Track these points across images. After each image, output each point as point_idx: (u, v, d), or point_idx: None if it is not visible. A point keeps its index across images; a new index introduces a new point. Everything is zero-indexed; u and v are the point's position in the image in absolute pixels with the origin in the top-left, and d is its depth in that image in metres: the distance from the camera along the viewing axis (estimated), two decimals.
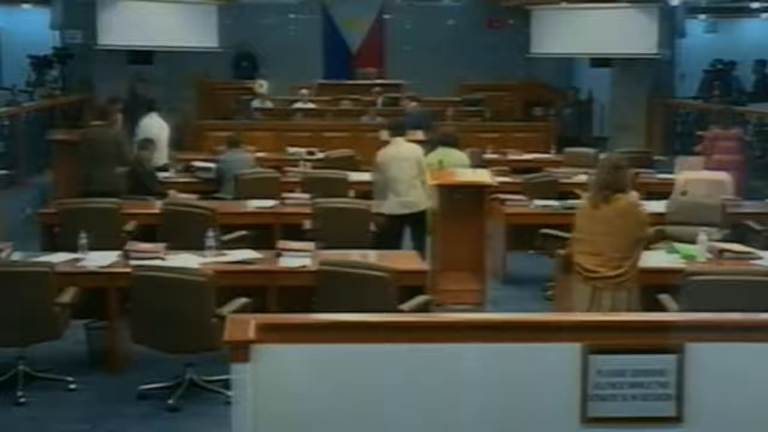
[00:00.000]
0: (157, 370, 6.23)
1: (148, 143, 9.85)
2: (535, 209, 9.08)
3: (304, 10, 19.79)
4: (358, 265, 6.06)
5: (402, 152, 8.59)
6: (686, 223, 7.67)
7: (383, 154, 8.63)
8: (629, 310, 5.89)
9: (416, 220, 8.42)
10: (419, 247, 8.29)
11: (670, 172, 9.86)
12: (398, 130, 8.84)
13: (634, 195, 6.21)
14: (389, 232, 8.25)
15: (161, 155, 10.65)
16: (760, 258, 6.79)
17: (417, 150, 8.71)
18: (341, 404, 3.95)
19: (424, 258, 7.96)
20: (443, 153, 8.86)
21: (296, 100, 16.17)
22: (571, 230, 7.15)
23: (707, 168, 9.06)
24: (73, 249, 6.65)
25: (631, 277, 5.93)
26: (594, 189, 6.09)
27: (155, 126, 10.90)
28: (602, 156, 6.80)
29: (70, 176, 10.56)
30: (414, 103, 14.13)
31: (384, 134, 11.54)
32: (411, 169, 8.45)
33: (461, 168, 8.77)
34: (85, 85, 14.86)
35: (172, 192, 9.40)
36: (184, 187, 9.87)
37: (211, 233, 6.80)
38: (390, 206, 8.42)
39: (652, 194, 9.43)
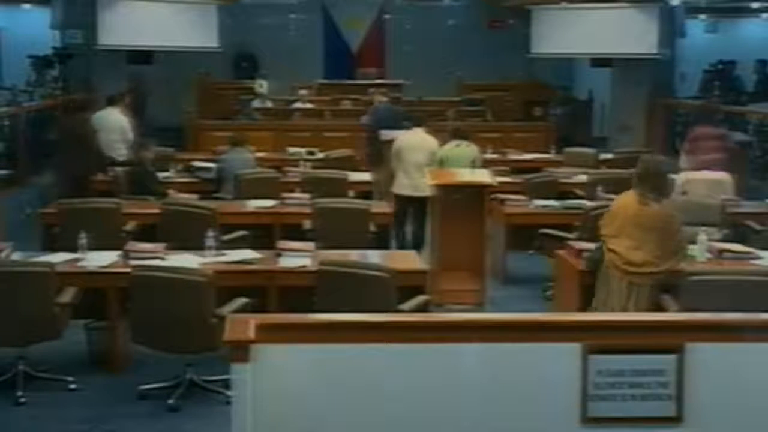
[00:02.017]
0: (157, 370, 6.23)
1: (149, 144, 9.88)
2: (535, 209, 9.08)
3: (304, 10, 19.81)
4: (358, 265, 6.06)
5: (418, 142, 9.55)
6: (686, 223, 7.66)
7: (401, 141, 9.69)
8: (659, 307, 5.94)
9: (420, 204, 9.27)
10: (418, 229, 9.39)
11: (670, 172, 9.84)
12: (417, 122, 9.89)
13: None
14: (396, 211, 9.14)
15: (115, 147, 11.08)
16: (760, 258, 6.79)
17: (432, 142, 9.58)
18: (341, 404, 3.95)
19: (422, 240, 9.20)
20: (454, 146, 9.60)
21: (296, 100, 16.18)
22: (570, 230, 7.17)
23: (692, 168, 9.05)
24: (73, 249, 6.65)
25: (666, 278, 6.03)
26: (643, 188, 6.13)
27: (110, 119, 11.29)
28: (646, 156, 6.88)
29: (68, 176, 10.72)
30: (384, 99, 13.95)
31: (385, 134, 11.65)
32: (423, 158, 9.36)
33: (471, 158, 9.51)
34: (85, 85, 14.86)
35: (171, 192, 9.40)
36: (184, 187, 9.87)
37: (211, 233, 6.80)
38: (399, 186, 9.47)
39: None
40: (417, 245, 9.24)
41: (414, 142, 9.58)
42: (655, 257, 6.00)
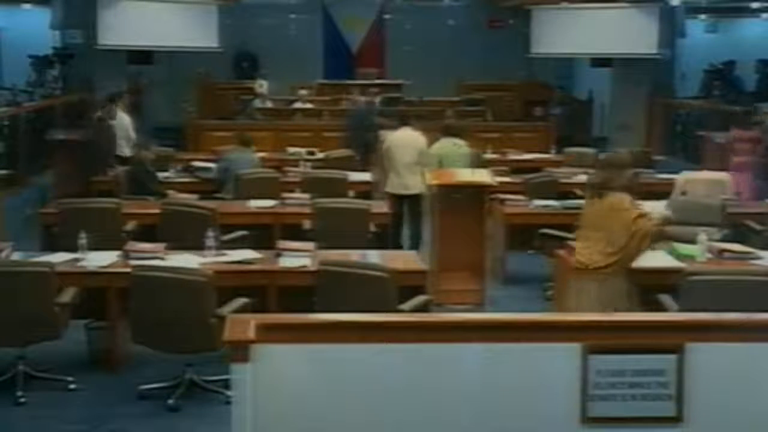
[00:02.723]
0: (157, 370, 6.24)
1: (149, 144, 9.90)
2: (535, 209, 9.08)
3: (304, 10, 19.82)
4: (358, 265, 6.06)
5: (407, 140, 9.65)
6: (686, 223, 7.66)
7: (390, 140, 9.80)
8: (616, 305, 5.91)
9: (413, 201, 9.54)
10: (415, 226, 9.59)
11: (670, 172, 9.86)
12: (405, 121, 10.05)
13: (624, 197, 6.09)
14: (392, 209, 9.14)
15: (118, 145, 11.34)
16: (760, 258, 6.79)
17: (420, 140, 9.69)
18: (341, 404, 3.95)
19: (420, 237, 9.44)
20: (446, 143, 9.72)
21: (296, 100, 16.18)
22: (571, 230, 7.19)
23: (728, 169, 9.02)
24: (73, 249, 6.65)
25: (615, 272, 6.01)
26: (589, 186, 6.33)
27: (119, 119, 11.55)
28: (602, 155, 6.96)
29: (70, 176, 10.74)
30: (361, 98, 14.01)
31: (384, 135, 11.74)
32: (412, 156, 9.50)
33: (463, 155, 9.68)
34: (85, 85, 14.88)
35: (171, 192, 9.40)
36: (184, 187, 9.86)
37: (211, 233, 6.80)
38: (392, 186, 9.60)
39: (652, 194, 9.44)
40: (414, 244, 9.37)
41: (403, 140, 9.69)
42: (605, 254, 6.02)
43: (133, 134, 11.31)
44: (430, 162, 9.45)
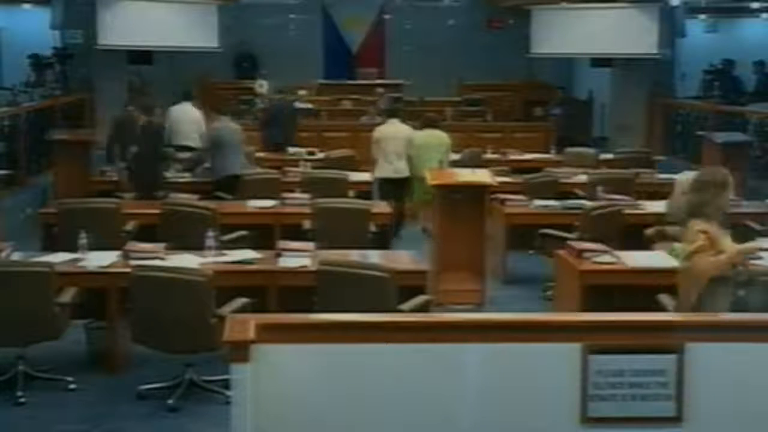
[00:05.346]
0: (157, 370, 6.24)
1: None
2: (535, 209, 9.08)
3: (304, 10, 19.80)
4: (358, 265, 6.06)
5: (394, 132, 10.57)
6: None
7: (380, 132, 10.63)
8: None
9: (401, 184, 10.52)
10: (399, 205, 10.40)
11: (670, 172, 9.85)
12: (392, 113, 11.07)
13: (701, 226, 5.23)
14: (381, 192, 10.41)
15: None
16: (760, 258, 6.78)
17: (407, 130, 10.64)
18: (341, 404, 3.95)
19: (404, 215, 10.57)
20: (428, 133, 10.67)
21: (295, 100, 16.17)
22: (571, 230, 7.18)
23: None
24: (73, 249, 6.64)
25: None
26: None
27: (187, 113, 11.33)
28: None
29: (70, 176, 10.72)
30: (278, 96, 14.13)
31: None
32: (400, 145, 10.44)
33: (441, 144, 10.59)
34: (85, 85, 14.86)
35: (172, 193, 9.39)
36: (184, 187, 9.86)
37: (211, 233, 6.80)
38: (383, 171, 10.48)
39: (652, 194, 9.44)
40: (399, 218, 10.14)
41: (391, 132, 10.54)
42: None
43: (204, 127, 11.14)
44: (417, 151, 10.37)
